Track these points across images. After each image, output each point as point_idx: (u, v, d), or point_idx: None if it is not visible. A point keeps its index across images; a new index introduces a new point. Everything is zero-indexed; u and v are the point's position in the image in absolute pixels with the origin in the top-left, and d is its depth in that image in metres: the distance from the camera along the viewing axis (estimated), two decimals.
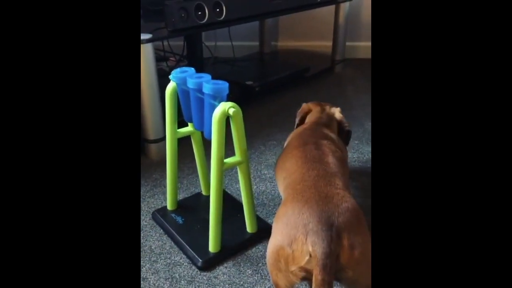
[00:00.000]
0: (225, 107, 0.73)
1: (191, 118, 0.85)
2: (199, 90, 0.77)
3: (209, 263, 0.83)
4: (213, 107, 0.75)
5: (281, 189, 0.73)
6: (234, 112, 0.73)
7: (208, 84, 0.74)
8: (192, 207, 1.00)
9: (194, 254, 0.84)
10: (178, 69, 0.83)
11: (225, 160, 0.78)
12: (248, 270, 0.82)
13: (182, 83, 0.81)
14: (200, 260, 0.83)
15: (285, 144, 0.88)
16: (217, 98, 0.74)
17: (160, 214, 0.97)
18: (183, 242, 0.87)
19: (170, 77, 0.83)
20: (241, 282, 0.79)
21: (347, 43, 1.99)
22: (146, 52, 1.09)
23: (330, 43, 1.99)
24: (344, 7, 1.85)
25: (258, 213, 0.98)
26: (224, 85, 0.75)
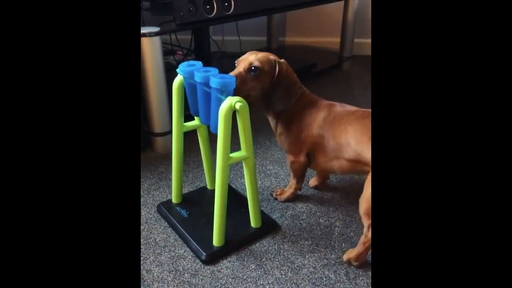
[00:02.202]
0: (232, 101, 0.73)
1: (197, 112, 0.85)
2: (206, 84, 0.77)
3: (213, 257, 0.83)
4: (219, 101, 0.75)
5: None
6: (240, 106, 0.73)
7: (215, 78, 0.74)
8: (197, 201, 1.00)
9: (198, 248, 0.84)
10: (186, 63, 0.83)
11: (231, 155, 0.78)
12: (251, 265, 0.82)
13: (189, 76, 0.81)
14: (204, 254, 0.83)
15: (316, 126, 0.89)
16: (224, 92, 0.74)
17: (165, 207, 0.97)
18: (187, 235, 0.88)
19: (178, 70, 0.83)
20: (244, 277, 0.80)
21: (355, 40, 1.98)
22: (154, 45, 1.09)
23: (338, 40, 1.98)
24: (353, 3, 1.83)
25: (262, 208, 0.98)
26: (231, 79, 0.74)
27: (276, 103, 0.87)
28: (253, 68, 0.83)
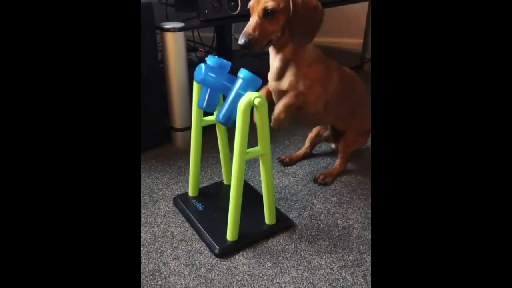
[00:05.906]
0: (251, 97, 0.73)
1: (206, 106, 0.83)
2: (220, 65, 0.79)
3: (226, 251, 0.83)
4: (239, 95, 0.74)
5: None
6: (259, 102, 0.73)
7: (245, 70, 0.75)
8: (213, 195, 1.00)
9: (212, 241, 0.84)
10: (216, 57, 0.82)
11: (248, 150, 0.78)
12: (268, 263, 0.82)
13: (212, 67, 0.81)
14: (217, 247, 0.83)
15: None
16: (249, 87, 0.74)
17: (181, 200, 0.98)
18: (202, 229, 0.88)
19: (206, 58, 0.82)
20: (261, 274, 0.79)
21: None
22: (178, 41, 1.10)
23: (360, 41, 1.95)
24: None
25: (280, 207, 0.98)
26: (258, 81, 0.75)
27: (300, 38, 0.81)
28: (269, 11, 0.77)
